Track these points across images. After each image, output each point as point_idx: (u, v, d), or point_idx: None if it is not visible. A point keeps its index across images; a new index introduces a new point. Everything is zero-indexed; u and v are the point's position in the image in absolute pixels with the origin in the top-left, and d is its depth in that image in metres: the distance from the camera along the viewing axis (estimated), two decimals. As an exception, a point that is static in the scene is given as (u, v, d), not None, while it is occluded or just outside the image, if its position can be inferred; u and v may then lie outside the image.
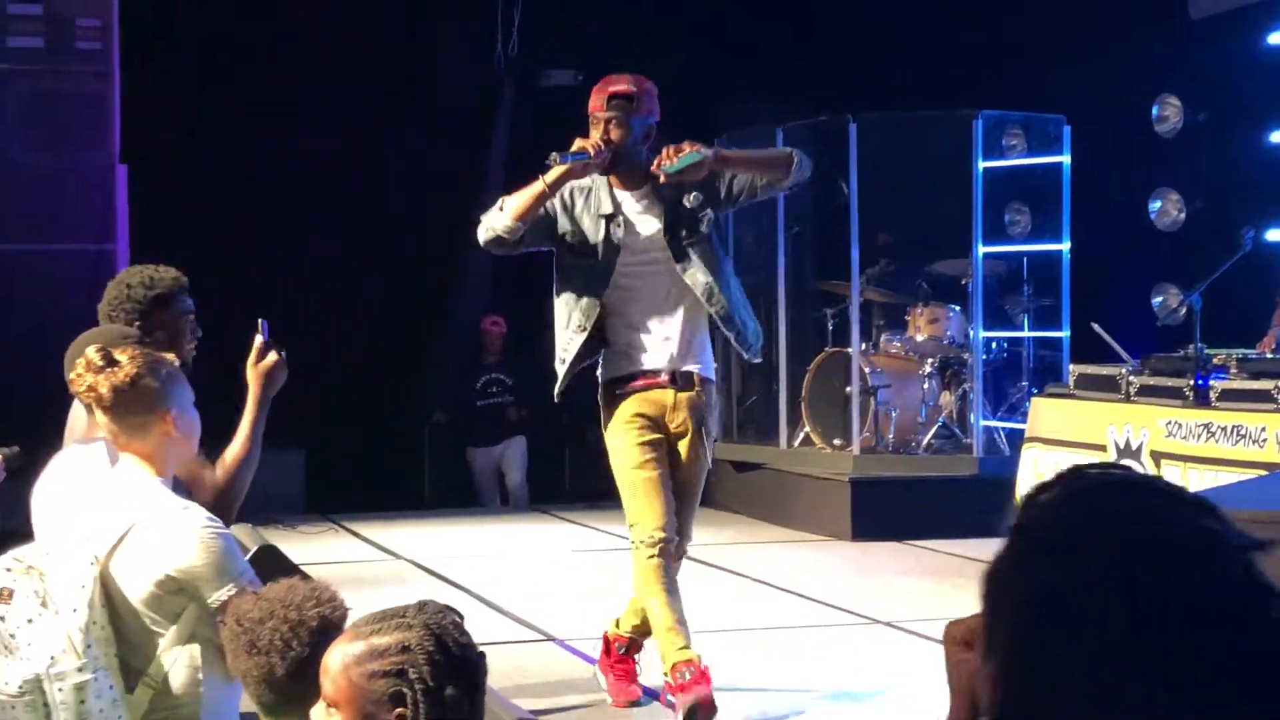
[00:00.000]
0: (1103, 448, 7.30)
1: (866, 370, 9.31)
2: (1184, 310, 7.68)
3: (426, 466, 11.47)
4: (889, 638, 6.36)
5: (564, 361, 5.09)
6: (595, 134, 4.97)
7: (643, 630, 5.13)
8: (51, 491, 3.39)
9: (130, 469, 3.19)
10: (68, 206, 9.52)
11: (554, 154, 4.89)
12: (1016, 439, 8.65)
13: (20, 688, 2.98)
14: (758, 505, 9.80)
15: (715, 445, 5.30)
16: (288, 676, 2.67)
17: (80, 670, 3.01)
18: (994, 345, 9.65)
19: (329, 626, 2.69)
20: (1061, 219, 9.42)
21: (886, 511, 8.91)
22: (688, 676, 4.76)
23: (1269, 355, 7.04)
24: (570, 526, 9.69)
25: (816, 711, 5.23)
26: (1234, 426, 6.57)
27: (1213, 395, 6.83)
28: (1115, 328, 7.85)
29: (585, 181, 5.03)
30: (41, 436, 3.76)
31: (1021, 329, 9.79)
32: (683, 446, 5.04)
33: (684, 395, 5.02)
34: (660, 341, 5.04)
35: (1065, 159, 9.41)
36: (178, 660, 3.09)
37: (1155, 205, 9.72)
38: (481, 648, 2.28)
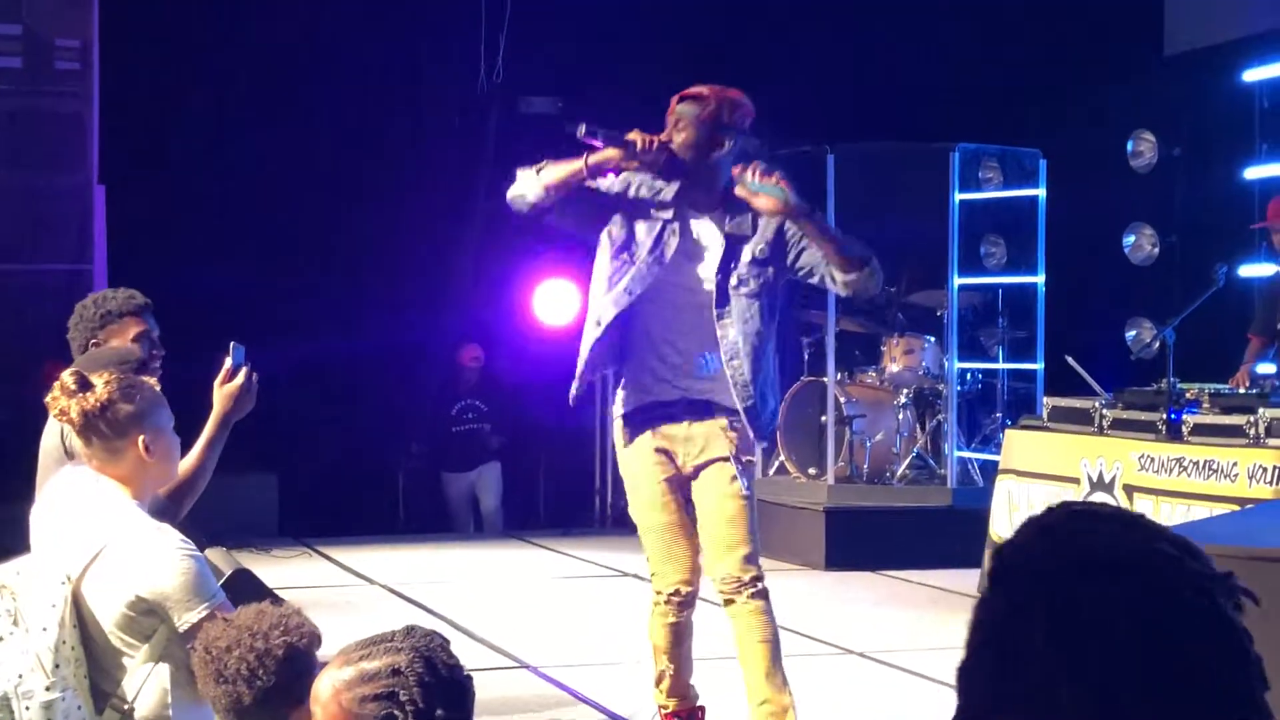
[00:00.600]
0: (1076, 480, 7.33)
1: (842, 400, 9.34)
2: (1157, 344, 7.71)
3: (401, 491, 11.45)
4: (862, 668, 6.36)
5: (581, 358, 4.70)
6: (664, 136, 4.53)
7: (679, 690, 4.96)
8: (49, 511, 3.38)
9: (106, 490, 3.19)
10: (45, 227, 9.48)
11: (581, 125, 4.43)
12: (990, 470, 8.66)
13: (-13, 706, 2.98)
14: (732, 534, 9.77)
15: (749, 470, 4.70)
16: (255, 704, 2.67)
17: (48, 689, 3.00)
18: (969, 376, 9.68)
19: (296, 654, 2.69)
20: (1037, 252, 9.44)
21: (861, 541, 8.91)
22: None
23: (1241, 391, 7.06)
24: (544, 553, 9.67)
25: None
26: (1205, 461, 6.60)
27: (1185, 430, 6.86)
28: (1089, 361, 7.88)
29: (660, 183, 4.60)
30: (16, 456, 3.76)
31: (996, 361, 9.82)
32: (706, 479, 4.63)
33: (699, 426, 4.60)
34: (679, 370, 4.61)
35: (1041, 192, 9.45)
36: (147, 683, 3.08)
37: (1129, 239, 9.76)
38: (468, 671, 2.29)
